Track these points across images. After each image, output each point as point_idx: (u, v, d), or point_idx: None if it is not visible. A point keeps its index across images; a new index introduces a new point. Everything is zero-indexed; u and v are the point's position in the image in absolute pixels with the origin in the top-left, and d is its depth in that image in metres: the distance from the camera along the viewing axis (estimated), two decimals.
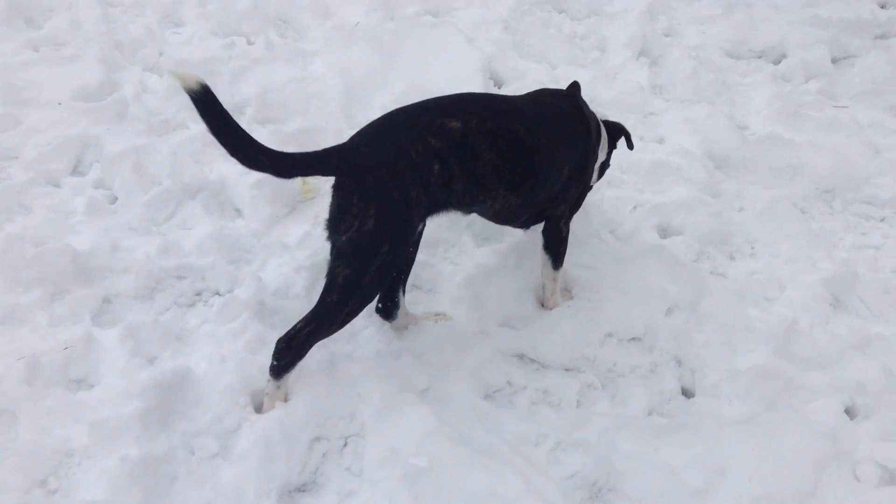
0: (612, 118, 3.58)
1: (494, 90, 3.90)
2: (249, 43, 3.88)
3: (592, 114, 2.88)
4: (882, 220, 3.55)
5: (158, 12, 3.98)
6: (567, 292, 2.99)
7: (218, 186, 3.11)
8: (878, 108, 4.19)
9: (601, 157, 2.93)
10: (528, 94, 2.85)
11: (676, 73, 4.20)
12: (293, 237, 2.98)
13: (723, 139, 3.73)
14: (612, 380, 2.74)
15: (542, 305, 2.91)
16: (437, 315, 2.81)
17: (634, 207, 3.37)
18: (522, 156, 2.51)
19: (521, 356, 2.76)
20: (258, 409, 2.39)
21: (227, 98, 3.49)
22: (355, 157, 2.26)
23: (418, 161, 2.30)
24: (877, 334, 2.87)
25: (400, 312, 2.67)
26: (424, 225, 2.50)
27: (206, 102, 2.05)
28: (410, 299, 2.86)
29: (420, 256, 2.97)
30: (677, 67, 4.23)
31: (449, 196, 2.41)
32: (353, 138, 2.36)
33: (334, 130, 3.41)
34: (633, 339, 2.85)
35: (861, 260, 3.28)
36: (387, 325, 2.68)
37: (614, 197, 3.39)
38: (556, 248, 2.82)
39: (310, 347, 2.35)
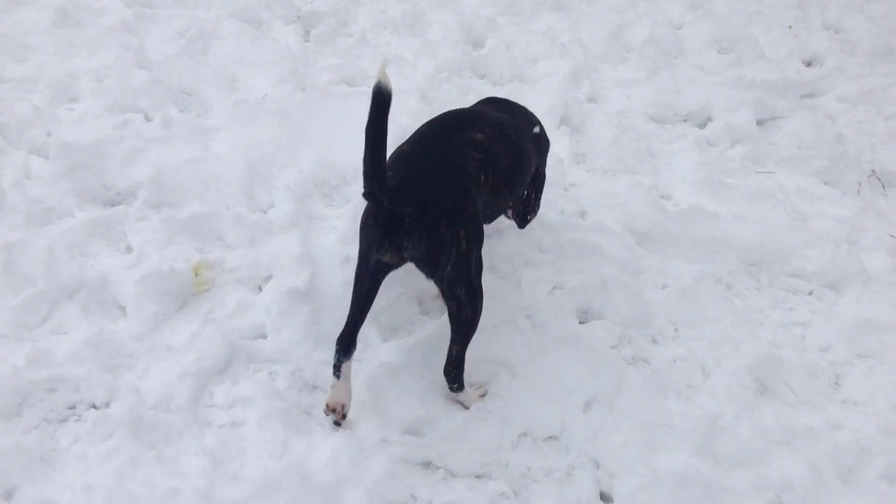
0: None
1: None
2: (147, 119, 3.66)
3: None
4: (810, 293, 3.44)
5: (52, 87, 3.74)
6: (481, 389, 2.80)
7: (99, 284, 2.86)
8: (804, 173, 4.12)
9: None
10: (489, 103, 3.16)
11: (599, 142, 4.09)
12: (180, 338, 2.75)
13: (645, 212, 3.60)
14: (526, 486, 2.55)
15: None
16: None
17: (553, 289, 3.21)
18: (517, 158, 2.78)
19: (426, 464, 2.55)
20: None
21: (117, 182, 3.29)
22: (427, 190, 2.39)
23: (474, 175, 2.52)
24: (803, 426, 2.73)
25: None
26: None
27: (381, 107, 2.17)
28: (307, 401, 2.66)
29: (320, 354, 2.77)
30: (599, 135, 4.12)
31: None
32: (417, 174, 2.44)
33: (233, 215, 3.20)
34: (549, 437, 2.68)
35: (788, 339, 3.15)
36: (269, 445, 2.46)
37: (532, 278, 3.22)
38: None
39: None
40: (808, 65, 5.37)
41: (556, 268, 3.29)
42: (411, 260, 2.45)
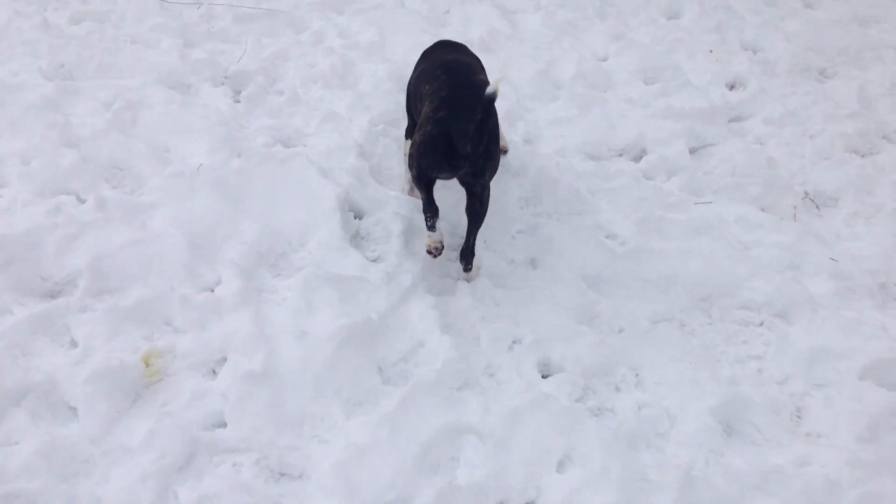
0: (482, 246, 3.49)
1: (356, 223, 3.69)
2: (80, 201, 3.53)
3: None
4: (761, 324, 3.50)
5: None
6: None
7: (46, 386, 2.74)
8: (740, 201, 4.21)
9: None
10: (448, 47, 4.06)
11: (540, 185, 4.10)
12: (137, 436, 2.64)
13: (593, 255, 3.63)
14: None
15: None
16: None
17: (512, 344, 3.20)
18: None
19: None
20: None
21: (54, 272, 3.16)
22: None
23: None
24: (773, 466, 2.76)
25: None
26: None
27: (491, 103, 2.99)
28: (275, 491, 2.58)
29: (285, 439, 2.69)
30: (540, 178, 4.13)
31: None
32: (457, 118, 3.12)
33: (179, 297, 3.10)
34: None
35: (746, 375, 3.20)
36: None
37: (491, 334, 3.20)
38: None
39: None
40: (732, 88, 5.51)
41: (513, 321, 3.28)
42: (464, 176, 3.26)
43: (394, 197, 3.81)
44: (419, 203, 3.78)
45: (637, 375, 3.16)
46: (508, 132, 4.53)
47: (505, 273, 3.51)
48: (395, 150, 4.18)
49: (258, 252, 3.41)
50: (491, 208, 3.81)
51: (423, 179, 3.29)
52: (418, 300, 3.25)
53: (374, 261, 3.50)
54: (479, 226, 3.41)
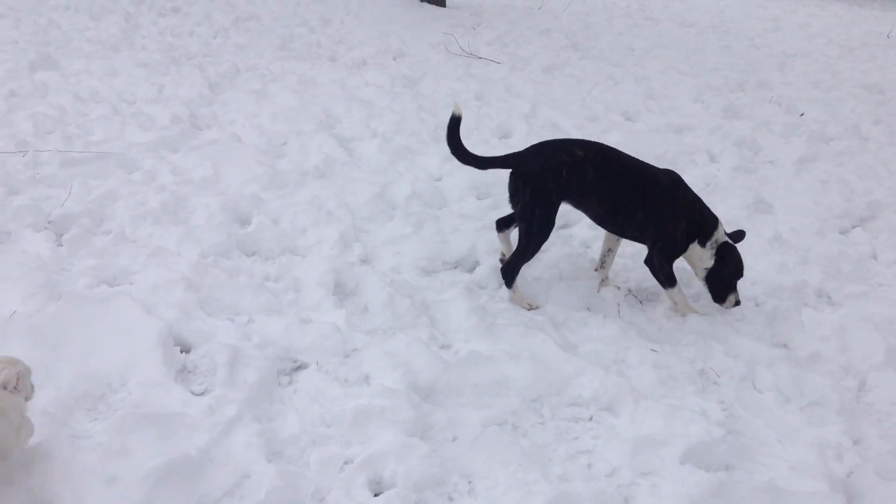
0: (314, 368, 3.47)
1: (182, 357, 3.60)
2: None
3: (695, 202, 4.35)
4: (590, 419, 3.58)
5: None
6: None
7: None
8: (569, 302, 4.38)
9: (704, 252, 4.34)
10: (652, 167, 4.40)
11: (374, 303, 4.15)
12: None
13: (426, 367, 3.66)
14: None
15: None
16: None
17: (343, 465, 3.14)
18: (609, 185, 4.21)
19: None
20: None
21: None
22: (524, 157, 4.25)
23: (555, 166, 4.16)
24: None
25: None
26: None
27: (455, 122, 4.21)
28: None
29: None
30: (374, 296, 4.19)
31: (569, 193, 4.23)
32: (523, 152, 4.31)
33: None
34: None
35: (576, 471, 3.24)
36: None
37: (321, 457, 3.13)
38: (656, 275, 4.41)
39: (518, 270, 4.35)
40: None
41: (344, 441, 3.23)
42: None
43: (221, 327, 3.76)
44: (247, 330, 3.76)
45: (470, 483, 3.15)
46: (344, 254, 4.61)
47: (338, 394, 3.48)
48: (225, 279, 4.16)
49: (73, 397, 3.26)
50: (324, 329, 3.84)
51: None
52: (243, 430, 3.16)
53: (201, 394, 3.41)
54: (519, 252, 4.36)
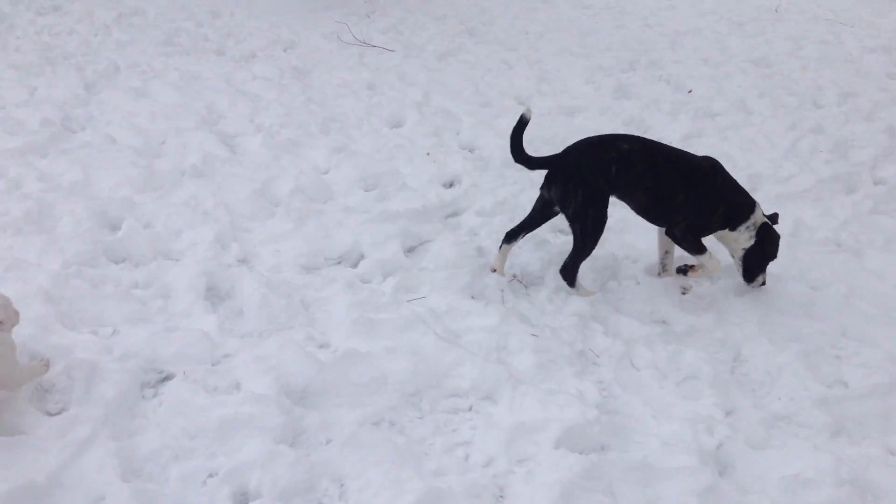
0: (181, 378, 3.40)
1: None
2: None
3: (732, 188, 4.41)
4: (469, 409, 3.54)
5: None
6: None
7: None
8: (452, 291, 4.32)
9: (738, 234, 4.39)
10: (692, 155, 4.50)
11: (249, 305, 4.02)
12: None
13: (300, 369, 3.55)
14: None
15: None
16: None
17: (207, 479, 3.02)
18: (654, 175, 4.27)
19: None
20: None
21: None
22: (571, 157, 4.30)
23: (605, 162, 4.21)
24: None
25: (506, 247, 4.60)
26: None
27: (524, 123, 4.34)
28: None
29: None
30: (249, 298, 4.06)
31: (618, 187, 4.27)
32: (568, 149, 4.38)
33: None
34: None
35: (452, 464, 3.19)
36: None
37: (183, 472, 3.00)
38: (683, 245, 4.41)
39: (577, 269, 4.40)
40: (450, 186, 5.79)
41: (209, 454, 3.11)
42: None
43: (81, 341, 3.58)
44: (109, 343, 3.59)
45: (342, 486, 3.07)
46: (220, 255, 4.46)
47: (205, 404, 3.34)
48: (87, 289, 3.97)
49: None
50: (192, 336, 3.70)
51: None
52: (98, 449, 3.01)
53: (56, 414, 3.23)
54: (574, 254, 4.43)
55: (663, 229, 4.49)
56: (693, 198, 4.25)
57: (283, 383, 3.48)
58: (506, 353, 3.87)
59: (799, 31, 11.24)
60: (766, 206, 5.65)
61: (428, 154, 6.15)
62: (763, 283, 4.49)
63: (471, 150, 6.45)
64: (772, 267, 4.60)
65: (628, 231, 5.15)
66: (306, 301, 4.18)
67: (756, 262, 4.42)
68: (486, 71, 8.58)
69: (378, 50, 9.00)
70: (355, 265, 4.63)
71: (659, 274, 4.67)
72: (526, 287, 4.55)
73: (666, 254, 4.65)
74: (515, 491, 3.08)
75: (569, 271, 4.37)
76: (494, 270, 4.52)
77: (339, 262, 4.66)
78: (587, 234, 4.27)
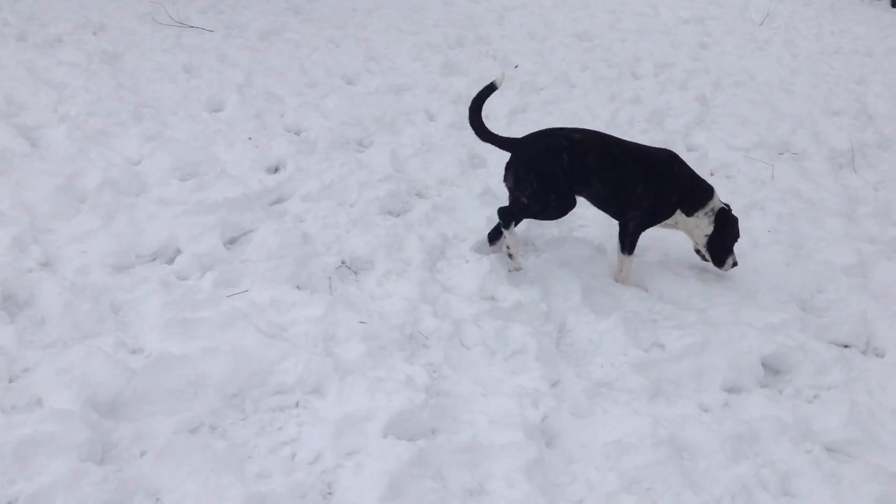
0: None
1: None
2: None
3: (690, 177, 4.54)
4: (296, 405, 3.42)
5: None
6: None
7: None
8: (275, 283, 4.16)
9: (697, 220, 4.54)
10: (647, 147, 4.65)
11: (50, 313, 3.70)
12: None
13: (107, 379, 3.29)
14: None
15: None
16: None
17: None
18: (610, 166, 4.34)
19: None
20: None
21: None
22: (524, 144, 4.36)
23: (555, 150, 4.26)
24: None
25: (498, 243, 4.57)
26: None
27: (489, 90, 4.40)
28: None
29: None
30: (51, 305, 3.73)
31: (573, 177, 4.29)
32: (523, 137, 4.43)
33: None
34: None
35: (278, 465, 3.06)
36: None
37: None
38: (623, 239, 4.49)
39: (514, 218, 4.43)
40: (275, 171, 5.58)
41: (7, 479, 2.81)
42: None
43: None
44: None
45: (157, 500, 2.87)
46: (18, 260, 4.07)
47: (0, 426, 3.04)
48: None
49: None
50: None
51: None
52: None
53: None
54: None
55: None
56: (652, 189, 4.35)
57: (89, 395, 3.21)
58: (334, 344, 3.77)
59: (618, 3, 11.69)
60: None
61: (249, 139, 5.91)
62: (735, 265, 4.63)
63: (296, 133, 6.25)
64: (593, 234, 4.74)
65: (458, 209, 5.16)
66: (116, 304, 3.90)
67: (721, 246, 4.56)
68: (312, 50, 8.36)
69: (196, 31, 8.57)
70: (171, 261, 4.36)
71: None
72: (355, 273, 4.45)
73: None
74: (344, 486, 2.99)
75: (506, 215, 4.38)
76: (511, 257, 4.50)
77: (153, 259, 4.38)
78: (545, 210, 4.35)
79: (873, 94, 8.71)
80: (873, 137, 7.25)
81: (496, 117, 6.94)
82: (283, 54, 8.12)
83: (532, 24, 10.35)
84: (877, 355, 4.16)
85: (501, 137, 4.40)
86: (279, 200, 5.17)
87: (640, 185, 4.33)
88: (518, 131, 6.56)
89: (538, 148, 4.29)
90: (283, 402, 3.43)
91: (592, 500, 3.03)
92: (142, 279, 4.10)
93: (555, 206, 4.32)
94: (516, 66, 8.40)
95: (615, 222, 4.61)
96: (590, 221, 5.19)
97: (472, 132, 4.42)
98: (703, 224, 4.52)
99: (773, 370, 3.95)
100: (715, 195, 4.55)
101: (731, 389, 3.75)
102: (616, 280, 4.56)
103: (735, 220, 4.59)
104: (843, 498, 3.09)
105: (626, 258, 4.50)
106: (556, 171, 4.24)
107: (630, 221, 4.45)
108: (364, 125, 6.46)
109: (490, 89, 4.36)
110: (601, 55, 9.16)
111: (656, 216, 4.48)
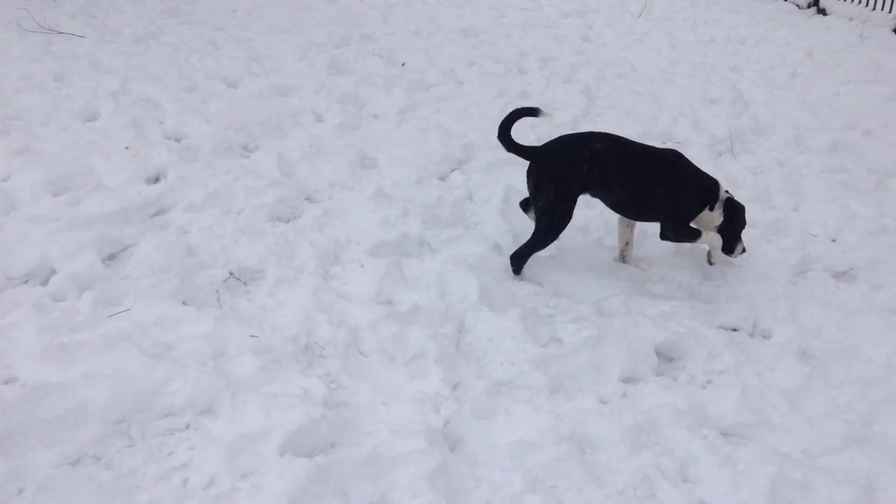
0: None
1: None
2: None
3: (698, 172, 4.66)
4: (187, 427, 3.25)
5: None
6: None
7: None
8: (160, 299, 3.96)
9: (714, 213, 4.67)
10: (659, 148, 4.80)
11: None
12: None
13: None
14: None
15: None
16: None
17: None
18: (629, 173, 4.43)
19: None
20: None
21: None
22: (546, 154, 4.42)
23: (577, 161, 4.34)
24: None
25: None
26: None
27: (527, 113, 4.42)
28: None
29: None
30: None
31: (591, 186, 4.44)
32: (545, 146, 4.50)
33: None
34: None
35: (168, 493, 2.90)
36: None
37: None
38: (682, 240, 4.68)
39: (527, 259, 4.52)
40: (156, 181, 5.33)
41: None
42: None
43: None
44: None
45: None
46: None
47: None
48: None
49: None
50: None
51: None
52: None
53: None
54: (531, 242, 4.50)
55: (625, 219, 4.72)
56: (672, 189, 4.45)
57: None
58: (224, 360, 3.61)
59: None
60: (480, 175, 5.83)
61: (127, 148, 5.63)
62: (744, 251, 4.78)
63: (177, 140, 5.99)
64: (488, 232, 4.73)
65: (350, 212, 5.05)
66: None
67: (731, 235, 4.68)
68: (190, 53, 8.04)
69: (66, 37, 8.12)
70: (45, 282, 4.09)
71: (616, 259, 4.86)
72: (245, 284, 4.30)
73: (626, 245, 4.82)
74: None
75: (519, 259, 4.48)
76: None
77: (26, 282, 4.10)
78: (552, 228, 4.39)
79: (748, 81, 9.06)
80: (749, 123, 7.53)
81: (385, 117, 6.86)
82: (160, 59, 7.78)
83: (417, 21, 10.30)
84: (763, 337, 4.30)
85: (525, 147, 4.42)
86: (161, 212, 4.94)
87: (659, 188, 4.45)
88: (409, 130, 6.52)
89: (561, 159, 4.34)
90: (172, 425, 3.25)
91: (498, 502, 3.00)
92: (13, 303, 3.83)
93: (559, 217, 4.38)
94: (403, 64, 8.33)
95: (501, 217, 4.86)
96: (484, 219, 5.18)
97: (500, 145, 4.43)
98: (716, 216, 4.66)
99: (667, 357, 4.02)
100: (720, 186, 4.72)
101: (628, 380, 3.79)
102: (710, 263, 4.83)
103: (742, 207, 4.73)
104: (740, 481, 3.16)
105: (703, 238, 4.62)
106: (575, 181, 4.34)
107: (666, 231, 4.64)
108: (249, 129, 6.26)
109: (528, 112, 4.38)
110: (487, 51, 9.19)
111: (689, 212, 4.60)
